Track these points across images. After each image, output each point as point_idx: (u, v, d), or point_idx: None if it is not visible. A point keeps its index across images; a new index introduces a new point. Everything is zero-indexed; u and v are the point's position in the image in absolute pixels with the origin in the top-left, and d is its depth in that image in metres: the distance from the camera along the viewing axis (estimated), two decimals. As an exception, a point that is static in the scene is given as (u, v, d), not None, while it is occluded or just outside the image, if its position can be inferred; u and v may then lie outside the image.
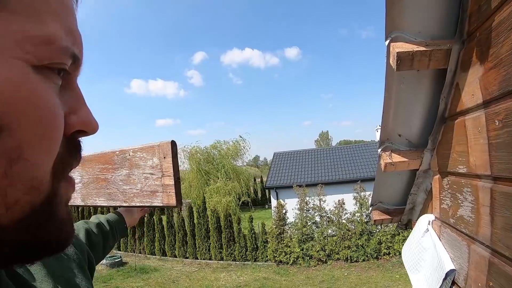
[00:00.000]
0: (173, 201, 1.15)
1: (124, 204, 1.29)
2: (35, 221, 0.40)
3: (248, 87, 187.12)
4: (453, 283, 1.43)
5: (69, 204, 0.48)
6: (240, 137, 29.71)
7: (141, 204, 1.24)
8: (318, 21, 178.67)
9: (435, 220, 1.68)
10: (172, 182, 1.15)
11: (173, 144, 1.16)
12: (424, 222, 1.76)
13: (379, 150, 1.80)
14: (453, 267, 1.41)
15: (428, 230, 1.71)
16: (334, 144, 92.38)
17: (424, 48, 1.19)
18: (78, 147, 0.47)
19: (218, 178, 24.92)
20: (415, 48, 1.19)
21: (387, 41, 1.27)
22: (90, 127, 0.47)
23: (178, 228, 16.81)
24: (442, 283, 1.45)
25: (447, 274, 1.42)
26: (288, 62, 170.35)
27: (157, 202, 1.19)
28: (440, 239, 1.59)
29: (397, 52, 1.19)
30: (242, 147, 29.22)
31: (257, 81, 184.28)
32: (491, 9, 0.97)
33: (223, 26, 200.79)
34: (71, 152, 0.45)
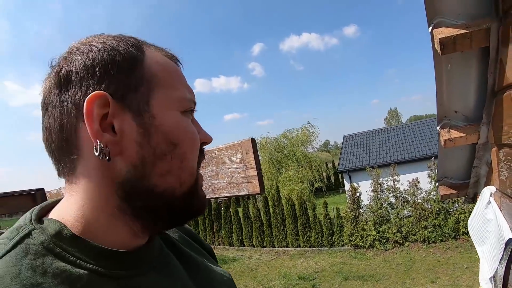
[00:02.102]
0: (257, 189, 1.33)
1: (214, 196, 1.52)
2: (191, 194, 0.69)
3: (310, 71, 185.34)
4: (513, 251, 1.48)
5: None
6: (309, 123, 29.48)
7: (229, 195, 1.46)
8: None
9: (496, 191, 1.72)
10: (255, 173, 1.33)
11: (253, 141, 1.35)
12: (486, 194, 1.79)
13: (438, 127, 1.85)
14: (512, 236, 1.46)
15: (490, 202, 1.75)
16: (404, 121, 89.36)
17: (464, 31, 1.26)
18: (203, 151, 0.76)
19: (290, 167, 24.96)
20: (455, 32, 1.26)
21: (430, 28, 1.34)
22: (209, 140, 0.77)
23: (254, 219, 17.17)
24: (504, 252, 1.50)
25: (507, 243, 1.48)
26: (347, 41, 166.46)
27: (243, 191, 1.38)
28: (500, 210, 1.63)
29: (439, 38, 1.27)
30: (311, 133, 28.99)
31: (319, 65, 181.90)
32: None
33: (276, 14, 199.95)
34: (201, 154, 0.74)
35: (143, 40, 0.73)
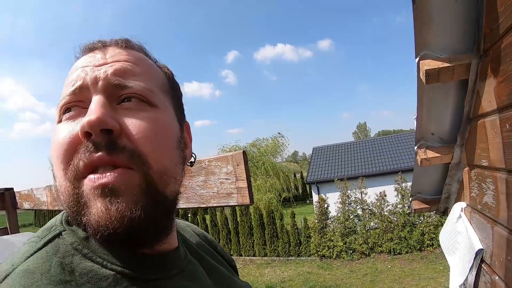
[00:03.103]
0: (247, 200, 1.36)
1: (202, 206, 1.54)
2: (74, 210, 0.59)
3: (283, 82, 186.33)
4: (482, 260, 1.64)
5: None
6: (279, 133, 29.58)
7: (217, 205, 1.45)
8: (349, 10, 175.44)
9: (466, 207, 1.89)
10: (245, 185, 1.35)
11: (244, 153, 1.38)
12: (457, 209, 1.96)
13: (416, 147, 2.02)
14: (481, 247, 1.63)
15: (461, 216, 1.91)
16: (372, 135, 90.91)
17: (448, 64, 1.42)
18: (88, 149, 0.62)
19: (258, 176, 25.06)
20: (440, 65, 1.42)
21: (417, 59, 1.50)
22: (82, 132, 0.60)
23: (221, 227, 17.24)
24: (473, 261, 1.67)
25: (476, 253, 1.64)
26: (321, 55, 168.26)
27: (232, 202, 1.40)
28: (470, 223, 1.80)
29: (425, 70, 1.42)
30: (281, 144, 29.10)
31: (292, 76, 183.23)
32: (499, 34, 1.18)
33: (253, 24, 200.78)
34: (81, 155, 0.61)
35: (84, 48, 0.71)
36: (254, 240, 16.56)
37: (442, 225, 13.35)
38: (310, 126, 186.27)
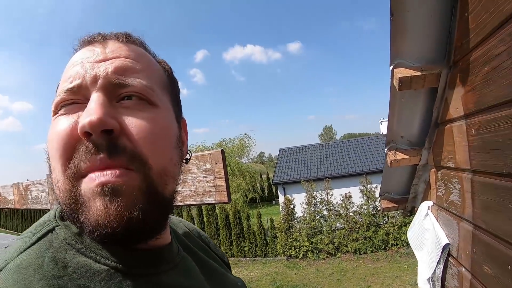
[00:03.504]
0: (225, 198, 1.35)
1: (180, 204, 1.50)
2: (71, 208, 0.59)
3: (251, 83, 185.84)
4: (449, 254, 1.78)
5: None
6: (245, 134, 29.45)
7: (195, 203, 1.43)
8: (319, 14, 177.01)
9: (433, 205, 2.02)
10: (223, 183, 1.35)
11: (223, 152, 1.37)
12: (424, 208, 2.09)
13: (386, 149, 2.14)
14: (448, 242, 1.76)
15: (428, 214, 2.04)
16: (338, 138, 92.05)
17: (420, 73, 1.54)
18: (88, 149, 0.61)
19: (226, 177, 24.82)
20: (412, 73, 1.54)
21: (391, 67, 1.61)
22: (82, 128, 0.59)
23: None
24: (441, 255, 1.80)
25: (443, 248, 1.77)
26: (290, 57, 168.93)
27: (210, 200, 1.40)
28: (437, 220, 1.93)
29: (399, 77, 1.54)
30: (248, 144, 28.92)
31: (260, 77, 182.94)
32: (469, 48, 1.31)
33: (224, 23, 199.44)
34: (82, 154, 0.60)
35: (83, 41, 0.70)
36: (220, 241, 16.50)
37: (406, 225, 13.72)
38: (276, 127, 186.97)
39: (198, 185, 1.41)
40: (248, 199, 25.59)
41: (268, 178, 39.81)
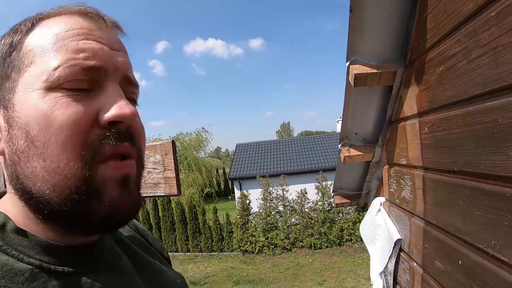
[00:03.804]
0: (175, 191, 1.33)
1: None
2: (81, 197, 0.54)
3: (211, 77, 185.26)
4: (401, 249, 1.81)
5: None
6: (203, 128, 29.17)
7: (144, 195, 1.37)
8: (283, 12, 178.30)
9: (385, 201, 2.06)
10: (173, 175, 1.32)
11: (173, 143, 1.34)
12: (376, 204, 2.13)
13: (339, 145, 2.15)
14: (400, 237, 1.79)
15: (380, 210, 2.08)
16: (295, 135, 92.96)
17: (375, 71, 1.55)
18: (115, 134, 0.59)
19: (181, 170, 24.59)
20: (368, 70, 1.55)
21: (348, 63, 1.61)
22: (121, 117, 0.58)
23: (143, 222, 16.60)
24: (392, 250, 1.83)
25: (395, 243, 1.81)
26: (252, 53, 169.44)
27: (160, 192, 1.36)
28: (389, 216, 1.97)
29: (354, 73, 1.54)
30: (205, 139, 28.62)
31: (220, 72, 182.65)
32: (426, 48, 1.33)
33: (186, 15, 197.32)
34: (104, 140, 0.57)
35: (56, 9, 0.62)
36: (176, 236, 16.27)
37: (360, 221, 14.02)
38: (234, 123, 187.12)
39: (147, 176, 1.37)
40: (204, 194, 25.41)
41: (224, 173, 39.72)
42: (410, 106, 1.53)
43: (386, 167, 1.99)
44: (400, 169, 1.77)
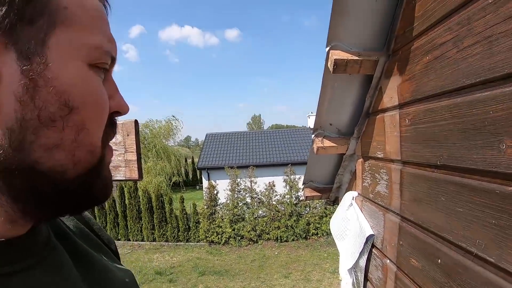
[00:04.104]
0: (135, 175, 1.26)
1: None
2: (90, 176, 0.54)
3: (185, 66, 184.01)
4: (373, 246, 1.77)
5: None
6: (173, 116, 28.93)
7: None
8: (262, 4, 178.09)
9: (358, 196, 2.01)
10: (134, 157, 1.25)
11: (136, 123, 1.27)
12: (348, 198, 2.08)
13: (313, 135, 2.07)
14: (372, 233, 1.75)
15: (352, 204, 2.04)
16: (266, 128, 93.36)
17: (356, 58, 1.49)
18: (114, 124, 0.62)
19: (149, 158, 24.34)
20: (349, 57, 1.48)
21: (328, 48, 1.53)
22: (123, 109, 0.62)
23: (109, 209, 16.29)
24: (364, 246, 1.79)
25: (367, 239, 1.76)
26: (227, 43, 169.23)
27: (119, 176, 1.29)
28: (361, 211, 1.93)
29: (334, 59, 1.46)
30: (175, 127, 28.41)
31: (195, 60, 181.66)
32: (412, 36, 1.27)
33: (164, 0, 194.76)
34: (110, 126, 0.59)
35: None
36: (142, 225, 15.98)
37: (326, 216, 14.26)
38: (206, 112, 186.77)
39: None
40: (172, 183, 25.27)
41: (193, 162, 39.38)
42: (390, 97, 1.47)
43: (360, 160, 1.94)
44: (375, 163, 1.72)
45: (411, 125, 1.30)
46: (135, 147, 1.25)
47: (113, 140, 1.20)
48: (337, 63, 1.48)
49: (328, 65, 1.54)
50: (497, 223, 0.87)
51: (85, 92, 0.51)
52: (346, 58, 1.48)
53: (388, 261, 1.58)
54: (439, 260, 1.14)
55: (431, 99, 1.15)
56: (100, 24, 0.55)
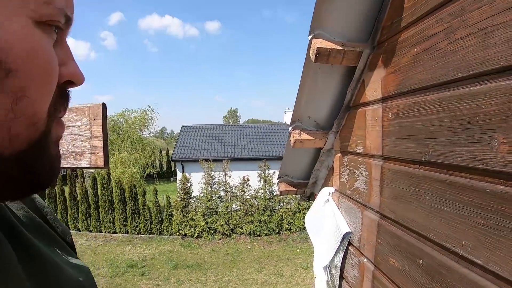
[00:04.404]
0: (101, 163, 1.17)
1: None
2: (31, 154, 0.46)
3: (164, 55, 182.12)
4: (349, 243, 1.72)
5: None
6: (149, 106, 28.51)
7: (67, 166, 1.24)
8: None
9: (334, 192, 1.96)
10: (101, 143, 1.17)
11: (104, 106, 1.18)
12: (325, 194, 2.03)
13: (290, 128, 2.00)
14: (349, 230, 1.70)
15: (328, 200, 1.99)
16: (242, 122, 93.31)
17: (340, 48, 1.42)
18: (67, 96, 0.54)
19: (123, 148, 23.96)
20: (332, 46, 1.42)
21: (310, 36, 1.47)
22: (78, 78, 0.53)
23: (81, 200, 15.81)
24: (340, 243, 1.74)
25: (344, 236, 1.71)
26: (207, 35, 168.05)
27: (84, 163, 1.20)
28: (338, 208, 1.88)
29: (317, 47, 1.40)
30: (150, 117, 27.94)
31: (173, 51, 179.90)
32: (400, 27, 1.21)
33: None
34: (61, 98, 0.51)
35: None
36: (115, 216, 15.65)
37: (300, 211, 14.33)
38: (182, 104, 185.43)
39: (71, 144, 1.21)
40: (145, 174, 24.98)
41: (167, 154, 39.06)
42: (373, 90, 1.42)
43: (338, 155, 1.89)
44: (354, 158, 1.67)
45: (395, 119, 1.25)
46: (101, 133, 1.16)
47: (79, 124, 1.15)
48: (319, 52, 1.42)
49: (310, 54, 1.47)
50: (486, 224, 0.83)
51: (27, 53, 0.42)
52: (329, 47, 1.42)
53: (365, 259, 1.54)
54: (421, 261, 1.10)
55: (418, 92, 1.10)
56: None
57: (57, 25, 0.47)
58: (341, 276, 1.81)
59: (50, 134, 0.49)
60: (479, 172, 0.85)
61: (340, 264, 1.78)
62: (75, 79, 0.52)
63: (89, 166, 1.19)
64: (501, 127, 0.77)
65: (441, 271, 1.00)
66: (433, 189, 1.03)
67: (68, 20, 0.50)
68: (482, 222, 0.84)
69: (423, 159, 1.07)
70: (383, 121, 1.34)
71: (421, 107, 1.08)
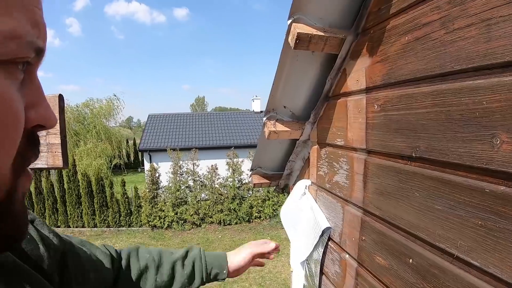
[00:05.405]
0: (59, 162, 1.09)
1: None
2: None
3: (130, 43, 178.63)
4: (329, 239, 1.67)
5: None
6: (115, 95, 28.14)
7: None
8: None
9: (311, 185, 1.90)
10: (58, 141, 1.08)
11: (61, 98, 1.06)
12: (301, 187, 1.97)
13: (265, 118, 1.90)
14: (329, 225, 1.65)
15: (305, 194, 1.93)
16: (209, 110, 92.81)
17: (322, 33, 1.34)
18: (36, 142, 0.47)
19: (89, 139, 23.52)
20: (314, 31, 1.33)
21: (290, 21, 1.37)
22: (49, 122, 0.47)
23: (47, 195, 15.41)
24: (319, 239, 1.69)
25: (323, 232, 1.66)
26: (175, 22, 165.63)
27: (40, 164, 1.10)
28: (316, 201, 1.82)
29: (297, 32, 1.30)
30: (116, 107, 27.66)
31: (140, 38, 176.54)
32: (389, 14, 1.14)
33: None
34: (30, 146, 0.45)
35: None
36: (82, 210, 15.34)
37: (269, 199, 14.41)
38: (149, 93, 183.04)
39: None
40: (112, 166, 24.63)
41: (135, 144, 38.52)
42: (356, 80, 1.36)
43: (315, 147, 1.83)
44: (334, 151, 1.61)
45: (381, 111, 1.19)
46: (59, 129, 1.06)
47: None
48: (300, 37, 1.32)
49: (289, 39, 1.38)
50: (484, 225, 0.78)
51: None
52: (311, 33, 1.33)
53: (347, 256, 1.49)
54: (411, 260, 1.05)
55: (409, 83, 1.04)
56: (25, 2, 0.39)
57: (25, 61, 0.41)
58: (321, 272, 1.76)
59: (15, 192, 0.43)
60: (478, 171, 0.80)
61: (320, 259, 1.73)
62: (46, 123, 0.46)
63: (46, 166, 1.09)
64: (503, 125, 0.72)
65: (434, 272, 0.95)
66: (424, 186, 0.98)
67: (40, 52, 0.43)
68: (479, 223, 0.79)
69: (413, 155, 1.01)
70: (368, 112, 1.28)
71: (412, 99, 1.02)
